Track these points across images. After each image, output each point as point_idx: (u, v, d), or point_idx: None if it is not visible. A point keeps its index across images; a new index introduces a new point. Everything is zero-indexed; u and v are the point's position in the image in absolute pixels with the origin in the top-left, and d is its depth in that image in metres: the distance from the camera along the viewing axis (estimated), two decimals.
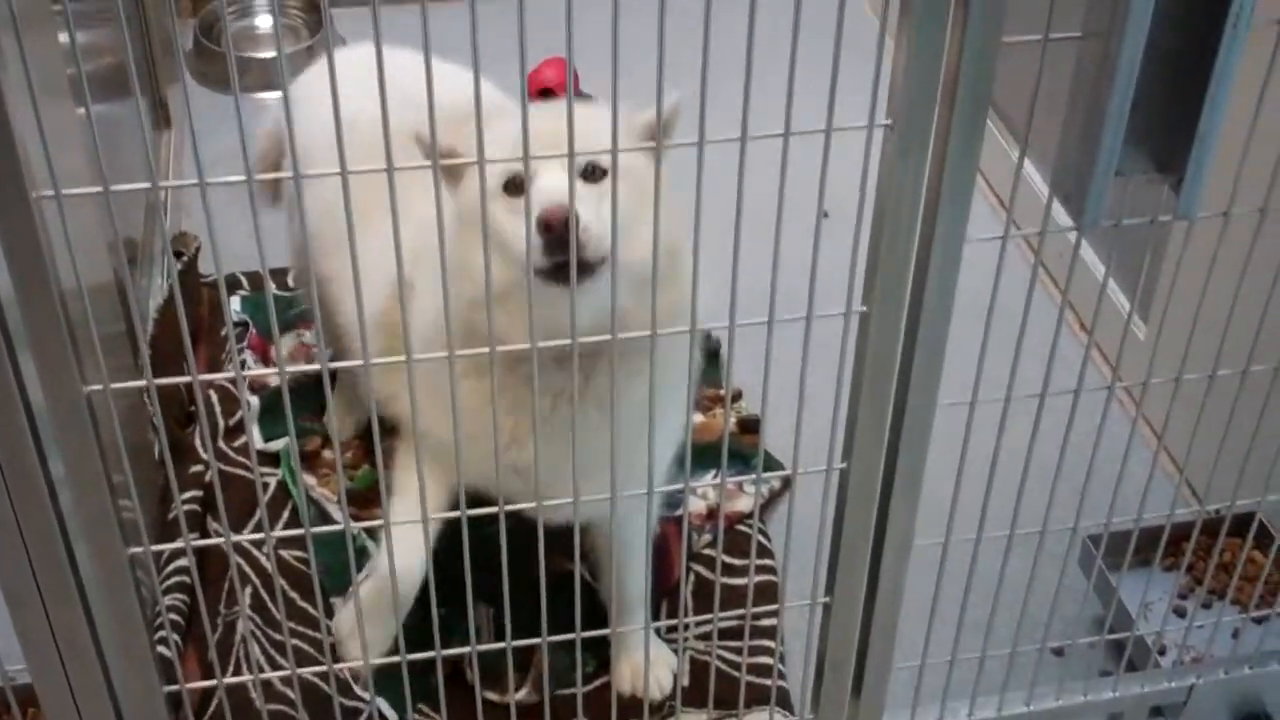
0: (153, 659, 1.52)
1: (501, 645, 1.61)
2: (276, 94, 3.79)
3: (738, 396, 2.81)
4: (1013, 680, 1.90)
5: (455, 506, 1.58)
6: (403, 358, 1.37)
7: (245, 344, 2.87)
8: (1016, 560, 1.71)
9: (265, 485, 2.59)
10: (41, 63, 1.36)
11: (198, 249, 3.04)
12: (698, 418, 2.72)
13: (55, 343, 1.24)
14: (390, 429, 1.88)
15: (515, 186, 1.62)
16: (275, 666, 2.23)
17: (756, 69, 1.21)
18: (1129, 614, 2.14)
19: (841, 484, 1.58)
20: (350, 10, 3.70)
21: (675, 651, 2.24)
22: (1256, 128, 1.41)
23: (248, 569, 2.40)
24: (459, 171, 1.66)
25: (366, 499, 2.50)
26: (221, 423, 2.69)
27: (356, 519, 2.42)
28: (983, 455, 1.57)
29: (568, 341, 1.38)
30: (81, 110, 2.10)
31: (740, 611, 1.69)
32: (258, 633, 2.28)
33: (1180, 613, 2.28)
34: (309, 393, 2.63)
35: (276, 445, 2.64)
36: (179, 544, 1.47)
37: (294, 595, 2.34)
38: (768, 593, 2.38)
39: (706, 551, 2.48)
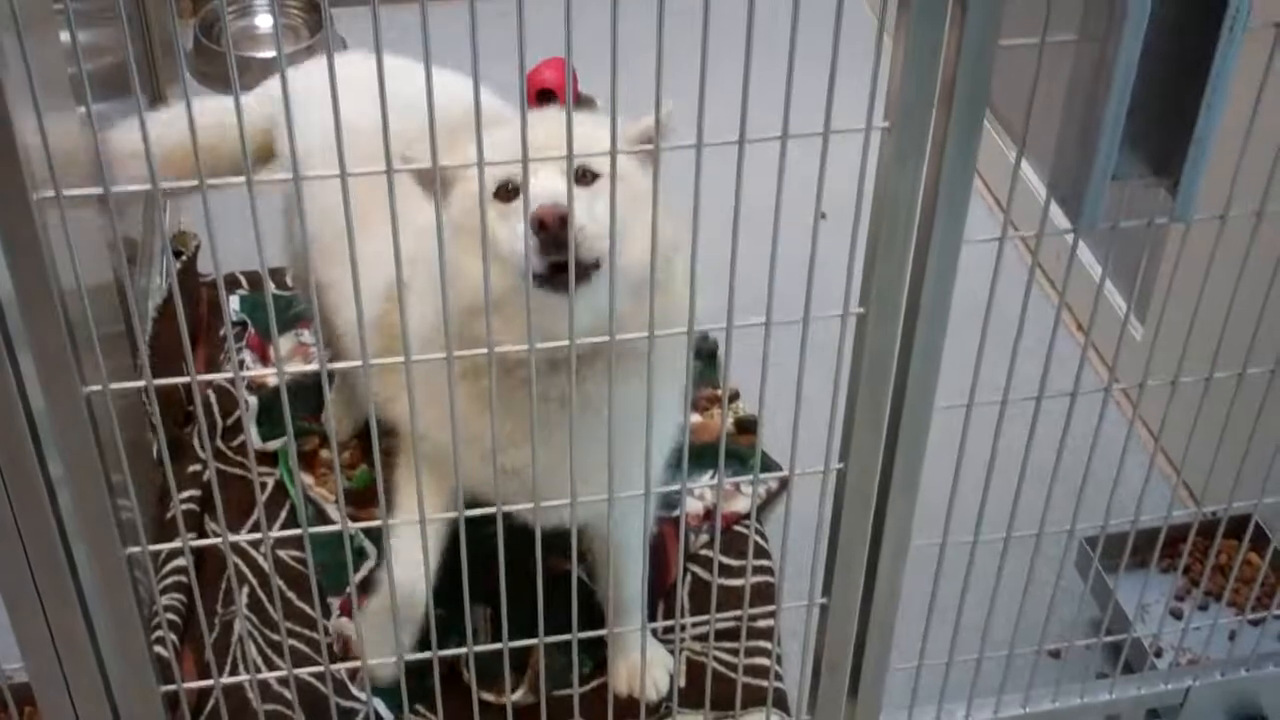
0: (150, 659, 1.52)
1: (498, 646, 1.62)
2: (276, 93, 3.80)
3: (735, 397, 2.82)
4: (1010, 682, 1.90)
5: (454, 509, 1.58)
6: (398, 360, 1.37)
7: (244, 343, 2.88)
8: (1013, 562, 1.71)
9: (263, 485, 2.59)
10: (42, 62, 1.36)
11: (197, 248, 3.04)
12: (695, 418, 2.72)
13: (55, 343, 1.24)
14: (388, 431, 1.88)
15: (507, 192, 1.63)
16: (272, 666, 2.23)
17: (755, 70, 1.21)
18: (1126, 616, 2.14)
19: (839, 485, 1.58)
20: (350, 10, 3.70)
21: (672, 652, 2.24)
22: (1253, 131, 1.42)
23: (245, 569, 2.40)
24: (449, 181, 1.67)
25: (364, 499, 2.50)
26: (220, 422, 2.69)
27: (354, 519, 2.42)
28: (980, 456, 1.57)
29: (564, 344, 1.39)
30: (81, 109, 2.11)
31: (737, 612, 1.69)
32: (255, 633, 2.29)
33: (1177, 614, 2.28)
34: (307, 393, 2.63)
35: (275, 445, 2.64)
36: (177, 544, 1.47)
37: (291, 595, 2.34)
38: (765, 593, 2.39)
39: (703, 552, 2.48)
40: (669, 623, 2.33)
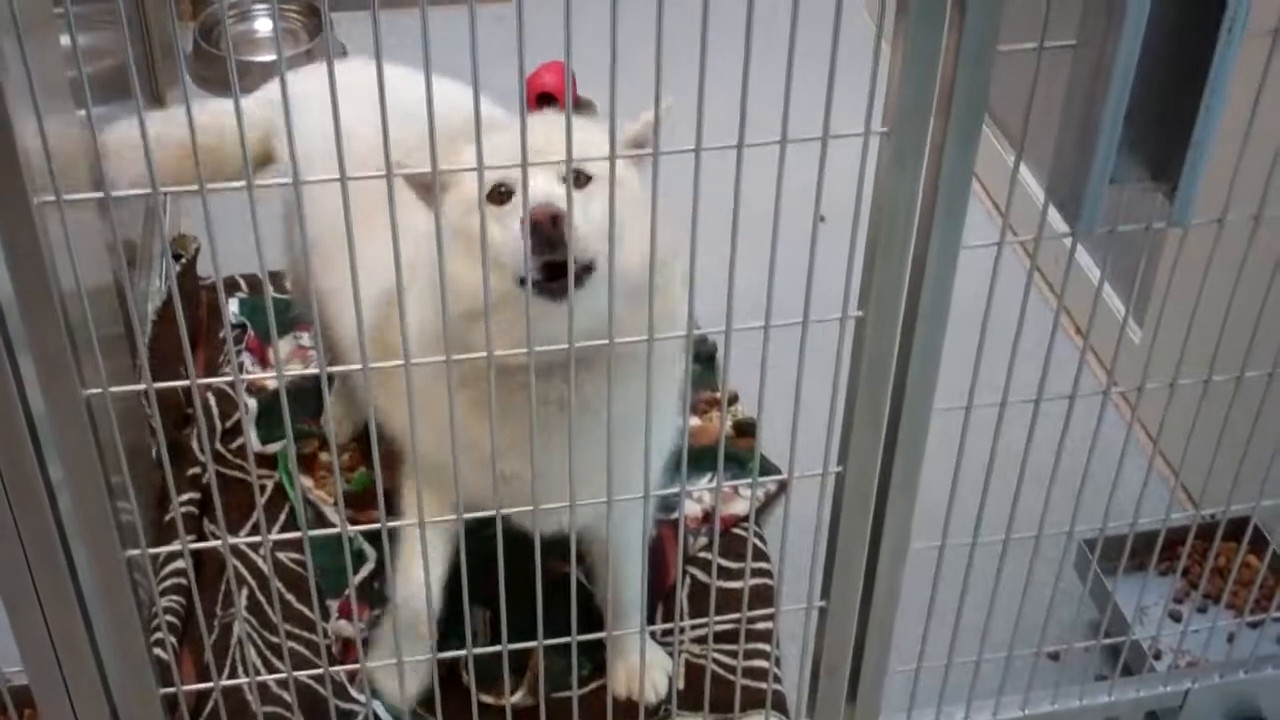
0: (149, 661, 1.53)
1: (498, 648, 1.62)
2: (275, 96, 3.80)
3: (734, 400, 2.82)
4: (1009, 684, 1.90)
5: (470, 525, 1.58)
6: (397, 364, 1.37)
7: (243, 346, 2.88)
8: (1012, 564, 1.71)
9: (262, 488, 2.59)
10: (42, 66, 1.36)
11: (196, 251, 3.05)
12: (694, 421, 2.73)
13: (55, 346, 1.24)
14: (388, 442, 1.88)
15: (501, 195, 1.63)
16: (271, 669, 2.24)
17: (753, 75, 1.21)
18: (1124, 618, 2.15)
19: (837, 488, 1.58)
20: (350, 14, 3.71)
21: (671, 655, 2.25)
22: (1251, 135, 1.42)
23: (244, 571, 2.40)
24: (443, 187, 1.67)
25: (363, 501, 2.50)
26: (219, 425, 2.70)
27: (353, 522, 2.42)
28: (979, 459, 1.57)
29: (559, 347, 1.39)
30: (81, 113, 2.11)
31: (736, 615, 1.69)
32: (254, 635, 2.29)
33: (1176, 617, 2.28)
34: (306, 396, 2.64)
35: (274, 447, 2.64)
36: (176, 546, 1.47)
37: (290, 598, 2.34)
38: (763, 596, 2.39)
39: (702, 555, 2.48)
40: (668, 625, 2.33)
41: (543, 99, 3.56)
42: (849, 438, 1.52)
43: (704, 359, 2.87)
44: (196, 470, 2.55)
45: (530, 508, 1.50)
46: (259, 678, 1.67)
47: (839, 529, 1.61)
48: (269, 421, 2.67)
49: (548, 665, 2.09)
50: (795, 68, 1.22)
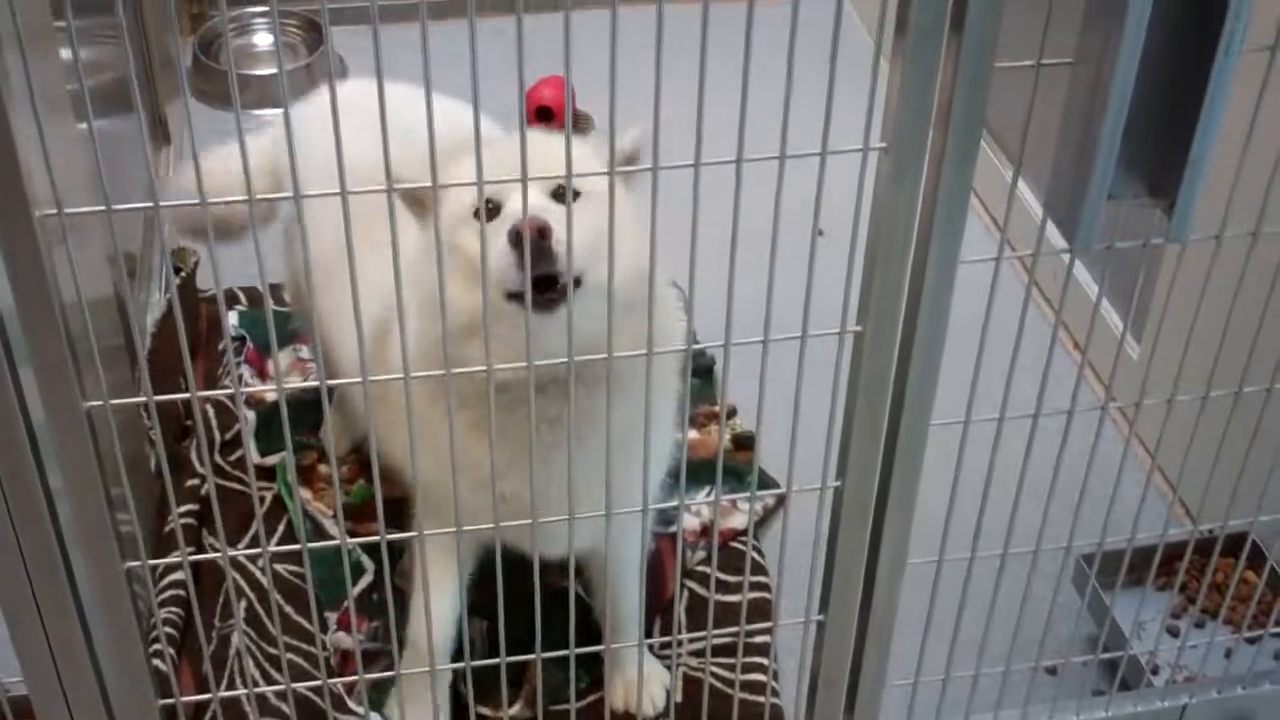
0: (148, 672, 1.53)
1: (496, 661, 1.62)
2: (275, 111, 3.81)
3: (732, 413, 2.82)
4: (1006, 698, 1.90)
5: (480, 554, 1.58)
6: (397, 377, 1.37)
7: (242, 359, 2.88)
8: (1010, 578, 1.71)
9: (261, 500, 2.59)
10: (43, 79, 1.37)
11: (196, 264, 3.05)
12: (693, 434, 2.73)
13: (56, 358, 1.25)
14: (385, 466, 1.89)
15: (488, 211, 1.63)
16: (269, 680, 2.24)
17: (752, 90, 1.22)
18: (1122, 633, 2.15)
19: (836, 502, 1.58)
20: (349, 28, 3.71)
21: (669, 668, 2.25)
22: (1248, 151, 1.42)
23: (242, 583, 2.40)
24: (429, 205, 1.67)
25: (362, 514, 2.50)
26: (218, 437, 2.70)
27: (352, 534, 2.42)
28: (977, 473, 1.57)
29: (558, 361, 1.39)
30: (81, 126, 2.12)
31: (734, 628, 1.70)
32: (252, 647, 2.29)
33: (1173, 632, 2.28)
34: (304, 409, 2.64)
35: (273, 460, 2.64)
36: (176, 558, 1.47)
37: (289, 610, 2.34)
38: (762, 610, 2.39)
39: (700, 568, 2.48)
40: (666, 638, 2.33)
41: (541, 113, 3.57)
42: (848, 451, 1.53)
43: (703, 372, 2.87)
44: (195, 482, 2.55)
45: (528, 521, 1.50)
46: (257, 689, 1.67)
47: (837, 543, 1.61)
48: (268, 434, 2.67)
49: (546, 678, 2.09)
50: (794, 84, 1.22)
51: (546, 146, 1.26)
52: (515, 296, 1.54)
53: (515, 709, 2.18)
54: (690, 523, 2.54)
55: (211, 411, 2.72)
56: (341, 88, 1.28)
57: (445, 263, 1.62)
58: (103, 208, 1.19)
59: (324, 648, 2.27)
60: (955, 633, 1.74)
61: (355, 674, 1.96)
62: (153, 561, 1.46)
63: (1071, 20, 1.27)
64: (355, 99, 1.28)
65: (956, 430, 1.54)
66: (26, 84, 1.15)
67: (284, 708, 2.08)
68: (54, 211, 1.17)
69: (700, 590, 2.44)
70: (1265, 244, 1.51)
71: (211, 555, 1.58)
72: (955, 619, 1.72)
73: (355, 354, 1.89)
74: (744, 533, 2.50)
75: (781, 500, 2.58)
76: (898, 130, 1.28)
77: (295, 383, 2.81)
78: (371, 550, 2.41)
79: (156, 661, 1.70)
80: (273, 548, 1.47)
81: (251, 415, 2.68)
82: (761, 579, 2.45)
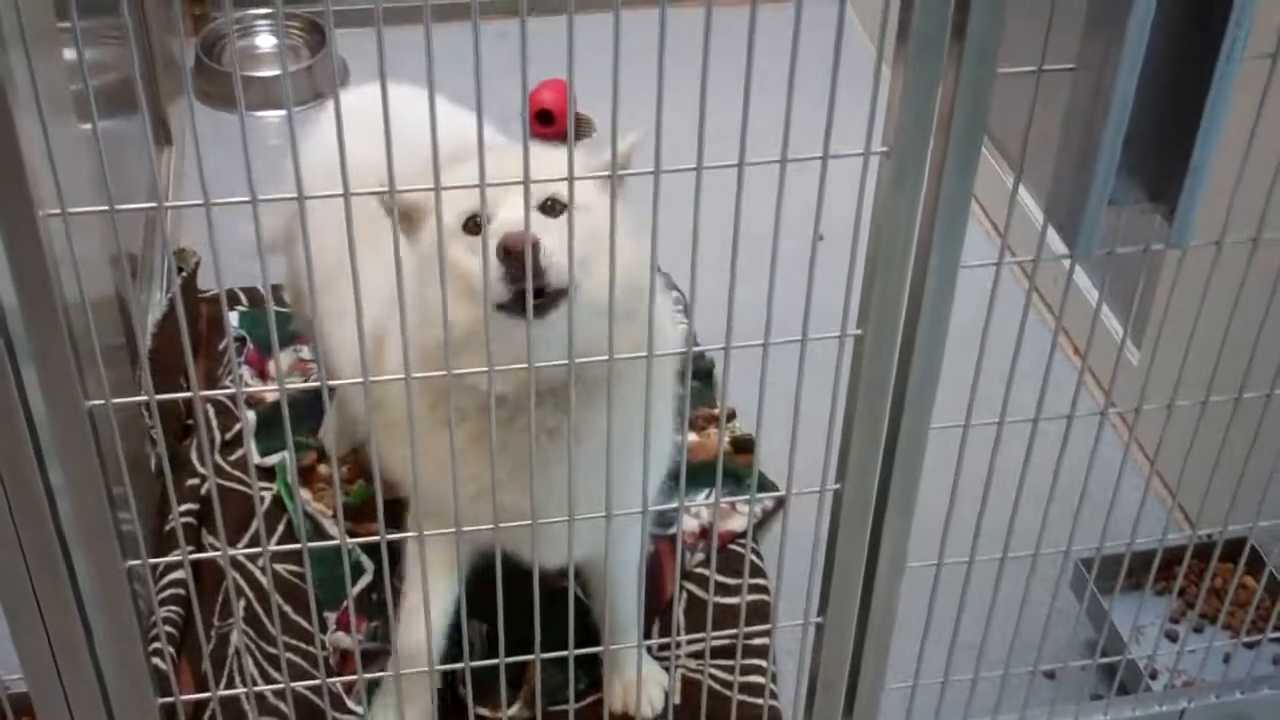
0: (148, 670, 1.53)
1: (495, 662, 1.62)
2: (277, 112, 3.82)
3: (732, 416, 2.82)
4: (1005, 702, 1.91)
5: (475, 560, 1.58)
6: (398, 378, 1.37)
7: (242, 359, 2.88)
8: (1009, 582, 1.72)
9: (261, 499, 2.60)
10: (47, 79, 1.37)
11: (197, 264, 3.06)
12: (692, 437, 2.73)
13: (58, 357, 1.25)
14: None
15: (475, 225, 1.63)
16: (268, 680, 2.24)
17: (754, 96, 1.22)
18: (1121, 637, 2.15)
19: (835, 505, 1.58)
20: (352, 30, 3.71)
21: (667, 670, 2.25)
22: (1249, 156, 1.43)
23: (242, 582, 2.41)
24: (418, 219, 1.67)
25: (361, 514, 2.51)
26: (218, 436, 2.70)
27: (351, 534, 2.42)
28: (976, 478, 1.58)
29: (559, 363, 1.39)
30: (83, 126, 2.12)
31: (733, 630, 1.70)
32: (251, 646, 2.29)
33: (1172, 637, 2.29)
34: (305, 409, 2.64)
35: (273, 460, 2.65)
36: (177, 556, 1.48)
37: (288, 609, 2.35)
38: (760, 612, 2.39)
39: (699, 570, 2.49)
40: (665, 640, 2.34)
41: (542, 116, 3.57)
42: (847, 455, 1.53)
43: (702, 375, 2.88)
44: (195, 481, 2.56)
45: (525, 523, 1.51)
46: (257, 688, 1.68)
47: (836, 545, 1.61)
48: (268, 434, 2.68)
49: (545, 679, 2.10)
50: (796, 89, 1.23)
51: (535, 158, 1.25)
52: (503, 307, 1.54)
53: (514, 710, 2.18)
54: (689, 525, 2.54)
55: (212, 411, 2.72)
56: (344, 96, 1.28)
57: (434, 278, 1.62)
58: (106, 208, 1.19)
59: (323, 647, 2.27)
60: (954, 636, 1.74)
61: (354, 673, 1.97)
62: (153, 560, 1.46)
63: (1073, 26, 1.27)
64: (356, 106, 1.28)
65: (956, 434, 1.54)
66: (31, 84, 1.15)
67: (283, 707, 2.08)
68: (58, 211, 1.17)
69: (699, 592, 2.44)
70: (1265, 250, 1.51)
71: (212, 554, 1.59)
72: (954, 622, 1.72)
73: (352, 360, 1.90)
74: (743, 535, 2.51)
75: (781, 503, 2.58)
76: (899, 135, 1.28)
77: (295, 383, 2.81)
78: (371, 550, 2.41)
79: (156, 660, 1.71)
80: (273, 547, 1.48)
81: (252, 415, 2.69)
82: (760, 581, 2.45)
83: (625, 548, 2.02)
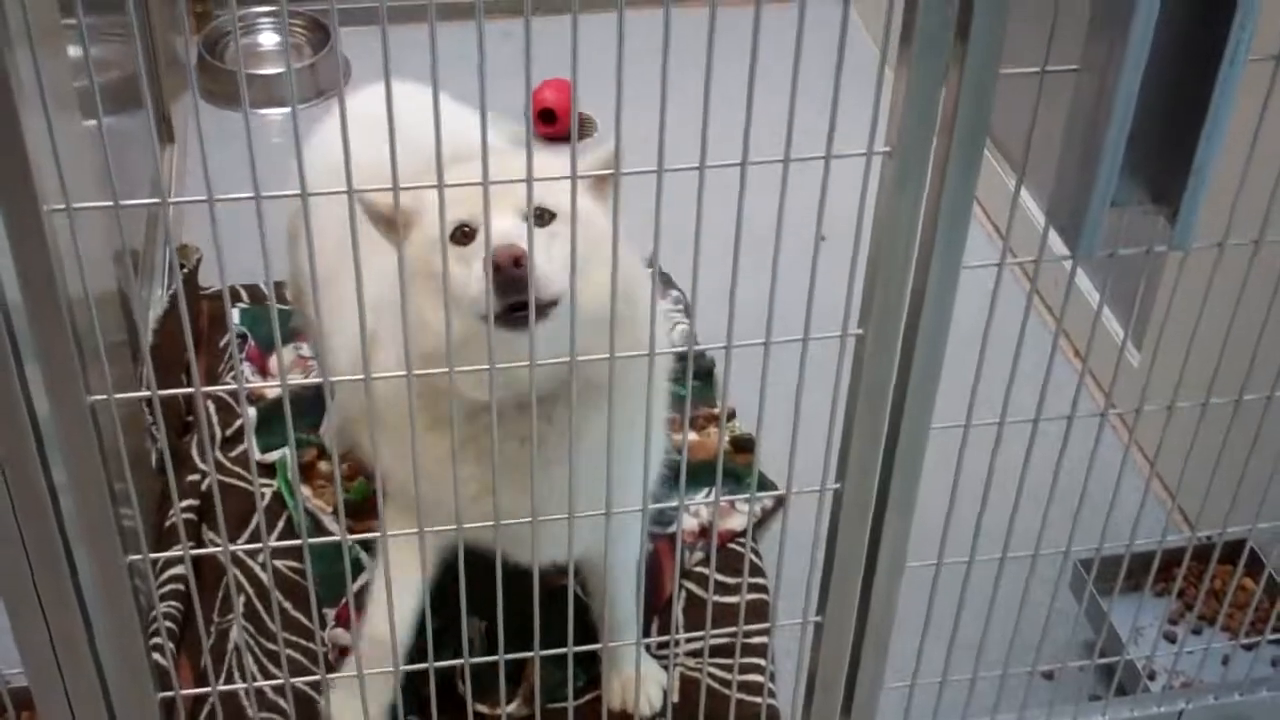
0: (148, 665, 1.53)
1: (494, 658, 1.62)
2: (280, 110, 3.82)
3: (732, 415, 2.83)
4: (1003, 702, 1.91)
5: (445, 557, 1.57)
6: (400, 374, 1.38)
7: (243, 356, 2.89)
8: (1008, 582, 1.72)
9: (261, 495, 2.60)
10: (51, 76, 1.38)
11: (198, 261, 3.06)
12: (692, 436, 2.73)
13: (62, 353, 1.25)
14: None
15: (464, 235, 1.63)
16: (268, 675, 2.24)
17: (756, 96, 1.23)
18: (1119, 638, 2.15)
19: (835, 504, 1.58)
20: (355, 29, 3.72)
21: (666, 668, 2.25)
22: (1251, 160, 1.43)
23: (242, 578, 2.41)
24: (407, 225, 1.66)
25: (361, 511, 2.51)
26: (219, 433, 2.71)
27: (352, 531, 2.43)
28: (976, 478, 1.58)
29: (560, 361, 1.39)
30: (88, 123, 2.13)
31: (732, 629, 1.70)
32: (251, 641, 2.29)
33: (1171, 638, 2.29)
34: (305, 405, 2.64)
35: (273, 456, 2.65)
36: (177, 552, 1.48)
37: (287, 605, 2.35)
38: (759, 611, 2.39)
39: (699, 569, 2.49)
40: (664, 638, 2.34)
41: (544, 115, 3.58)
42: (847, 454, 1.53)
43: (702, 375, 2.88)
44: (195, 477, 2.56)
45: (525, 521, 1.51)
46: (256, 684, 1.68)
47: (836, 545, 1.61)
48: (268, 430, 2.68)
49: (543, 676, 2.10)
50: (799, 91, 1.23)
51: (519, 166, 1.25)
52: (493, 318, 1.53)
53: (513, 707, 2.18)
54: (689, 524, 2.54)
55: (212, 407, 2.73)
56: (351, 100, 1.28)
57: (421, 287, 1.62)
58: (111, 203, 1.19)
59: (323, 644, 2.28)
60: (953, 636, 1.75)
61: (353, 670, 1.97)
62: (154, 555, 1.46)
63: (1076, 27, 1.28)
64: (358, 112, 1.28)
65: (956, 434, 1.54)
66: (37, 80, 1.15)
67: (282, 703, 2.08)
68: (62, 206, 1.18)
69: (698, 591, 2.44)
70: (1267, 252, 1.51)
71: (212, 550, 1.58)
72: (953, 622, 1.72)
73: (347, 362, 1.90)
74: (742, 534, 2.51)
75: (780, 502, 2.59)
76: (902, 136, 1.28)
77: (297, 380, 2.81)
78: (371, 547, 2.41)
79: (156, 655, 1.71)
80: (273, 543, 1.48)
81: (252, 412, 2.69)
82: (759, 580, 2.46)
83: (621, 547, 2.02)
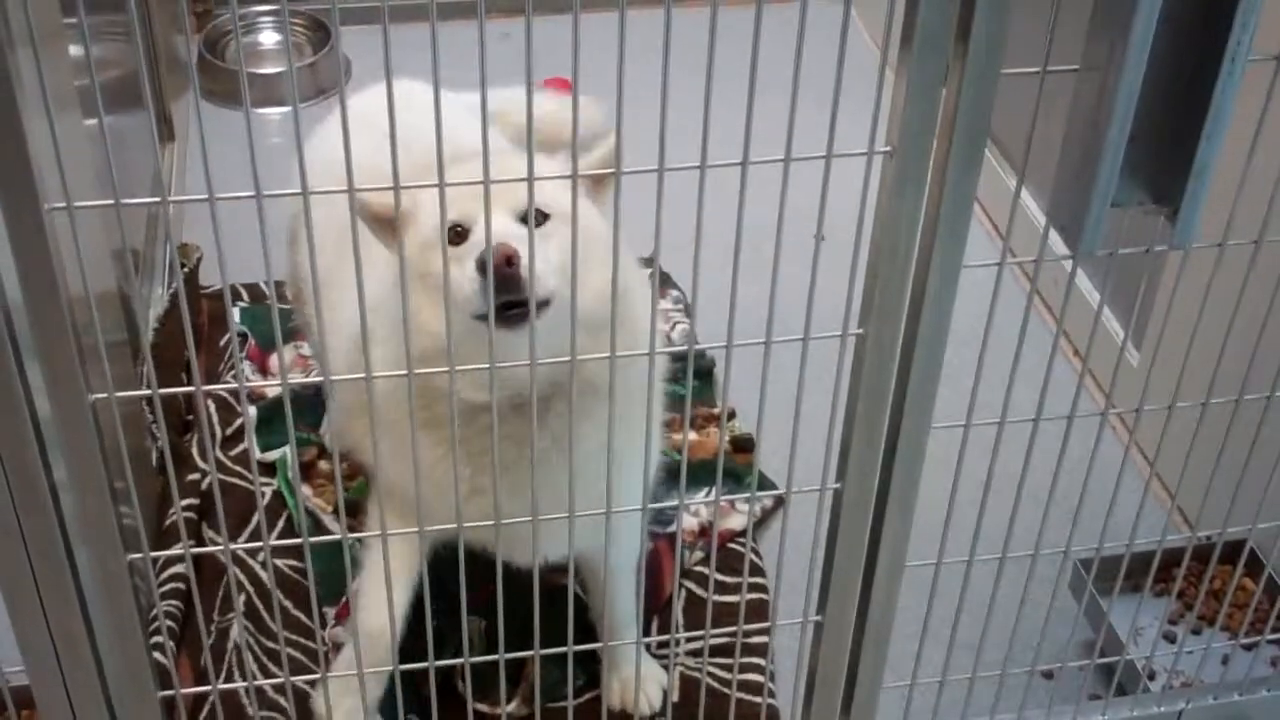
0: (148, 663, 1.53)
1: (493, 658, 1.62)
2: (281, 109, 3.83)
3: (732, 415, 2.83)
4: (1002, 702, 1.91)
5: (431, 555, 1.56)
6: (401, 374, 1.38)
7: (244, 355, 2.89)
8: (1008, 582, 1.72)
9: (261, 494, 2.60)
10: (52, 75, 1.37)
11: (199, 260, 3.06)
12: (692, 436, 2.73)
13: (63, 351, 1.25)
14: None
15: (457, 235, 1.63)
16: (268, 674, 2.24)
17: (757, 96, 1.23)
18: (1119, 638, 2.15)
19: (835, 504, 1.59)
20: (355, 28, 3.72)
21: (666, 668, 2.25)
22: (1253, 158, 1.43)
23: (242, 577, 2.41)
24: (402, 226, 1.66)
25: (361, 510, 2.51)
26: (219, 432, 2.71)
27: (352, 530, 2.43)
28: (976, 478, 1.58)
29: (563, 360, 1.39)
30: (88, 122, 2.12)
31: (731, 629, 1.70)
32: (251, 640, 2.29)
33: (1170, 638, 2.29)
34: (305, 404, 2.65)
35: (273, 455, 2.65)
36: (179, 550, 1.48)
37: (287, 604, 2.35)
38: (759, 610, 2.39)
39: (698, 569, 2.49)
40: (663, 638, 2.34)
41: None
42: (847, 454, 1.53)
43: (702, 374, 2.88)
44: (196, 476, 2.56)
45: (524, 521, 1.51)
46: (256, 683, 1.68)
47: (836, 544, 1.61)
48: (268, 429, 2.68)
49: (543, 675, 2.10)
50: (799, 91, 1.23)
51: (515, 166, 1.24)
52: (483, 317, 1.54)
53: (512, 706, 2.18)
54: (689, 523, 2.54)
55: (213, 406, 2.73)
56: (351, 100, 1.28)
57: (415, 286, 1.61)
58: (111, 202, 1.19)
59: (323, 642, 2.28)
60: (953, 635, 1.75)
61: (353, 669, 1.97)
62: (154, 554, 1.46)
63: (1077, 27, 1.28)
64: (359, 112, 1.28)
65: (956, 434, 1.54)
66: (38, 79, 1.15)
67: (282, 701, 2.09)
68: (63, 205, 1.18)
69: (698, 590, 2.44)
70: (1267, 252, 1.51)
71: (212, 549, 1.58)
72: (953, 622, 1.72)
73: (342, 363, 1.90)
74: (742, 534, 2.51)
75: (780, 502, 2.59)
76: (902, 135, 1.28)
77: (297, 379, 2.82)
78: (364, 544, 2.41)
79: (156, 653, 1.71)
80: (273, 542, 1.48)
81: (252, 411, 2.69)
82: (759, 580, 2.46)
83: (619, 548, 2.02)
